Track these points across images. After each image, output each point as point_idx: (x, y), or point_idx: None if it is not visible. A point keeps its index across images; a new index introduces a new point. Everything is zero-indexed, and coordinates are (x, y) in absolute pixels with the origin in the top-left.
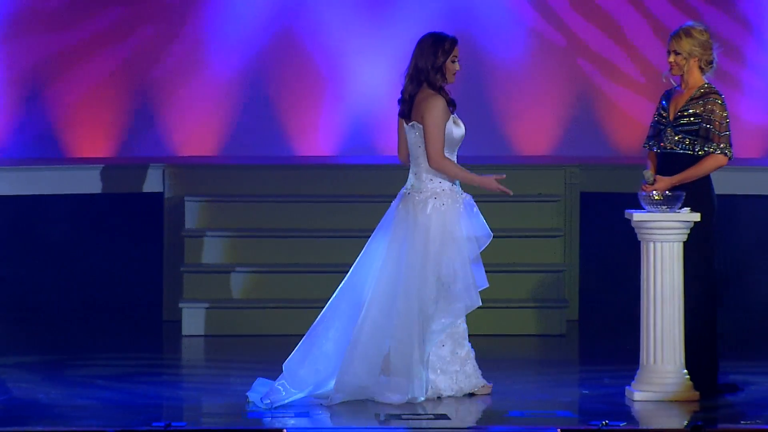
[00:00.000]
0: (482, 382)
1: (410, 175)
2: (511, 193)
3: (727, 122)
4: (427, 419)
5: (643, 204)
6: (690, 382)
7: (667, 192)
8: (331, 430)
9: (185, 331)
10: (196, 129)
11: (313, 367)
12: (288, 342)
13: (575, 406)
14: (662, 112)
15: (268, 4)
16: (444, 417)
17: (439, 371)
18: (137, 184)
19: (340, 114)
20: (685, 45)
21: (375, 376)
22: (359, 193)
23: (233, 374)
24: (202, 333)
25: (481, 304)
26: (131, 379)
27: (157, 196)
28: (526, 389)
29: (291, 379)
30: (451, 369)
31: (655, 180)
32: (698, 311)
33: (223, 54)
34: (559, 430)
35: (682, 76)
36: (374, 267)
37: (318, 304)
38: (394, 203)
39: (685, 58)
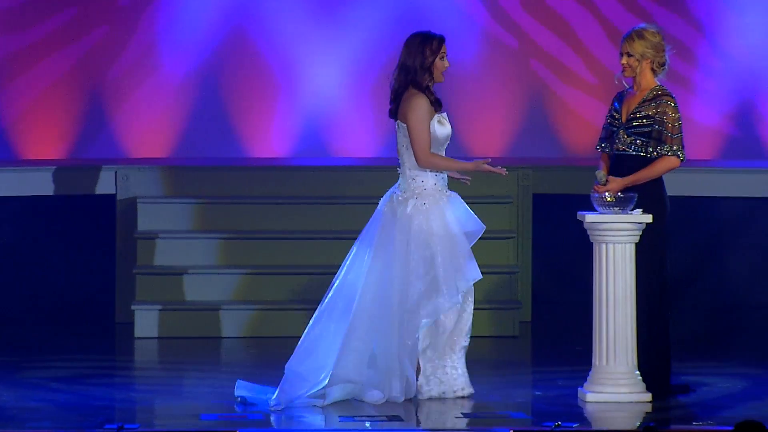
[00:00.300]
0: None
1: (399, 175)
2: (505, 173)
3: (679, 124)
4: (381, 420)
5: (595, 206)
6: (642, 383)
7: (619, 194)
8: (283, 431)
9: (138, 333)
10: (149, 131)
11: (313, 367)
12: (241, 343)
13: (528, 407)
14: (614, 113)
15: (220, 5)
16: (397, 418)
17: (430, 371)
18: (90, 186)
19: (293, 116)
20: (638, 47)
21: (361, 373)
22: (312, 194)
23: (186, 376)
24: (155, 335)
25: (460, 301)
26: (84, 381)
27: (110, 198)
28: (479, 390)
29: (294, 380)
30: (440, 370)
31: (607, 180)
32: (650, 312)
33: (176, 56)
34: (511, 431)
35: (634, 78)
36: (364, 265)
37: (270, 305)
38: (381, 203)
39: (637, 60)
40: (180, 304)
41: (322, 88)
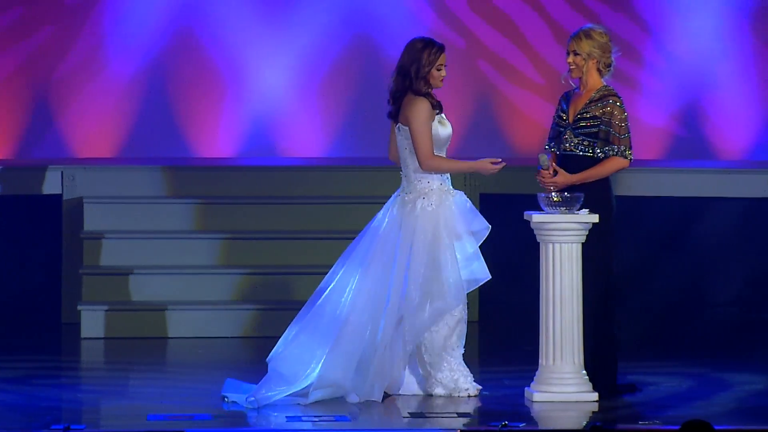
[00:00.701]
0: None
1: (402, 178)
2: (503, 165)
3: (626, 124)
4: (327, 420)
5: (542, 206)
6: (589, 383)
7: (566, 193)
8: (226, 431)
9: (84, 333)
10: (96, 131)
11: (297, 371)
12: (187, 344)
13: (475, 407)
14: (561, 114)
15: (167, 6)
16: (344, 418)
17: (430, 370)
18: (36, 186)
19: (240, 116)
20: (585, 46)
21: (348, 375)
22: (260, 194)
23: (133, 377)
24: (102, 335)
25: (455, 306)
26: (30, 381)
27: (56, 198)
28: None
29: (276, 379)
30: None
31: (552, 168)
32: (597, 312)
33: (123, 55)
34: (459, 431)
35: (581, 78)
36: (361, 268)
37: (216, 306)
38: (386, 205)
39: (584, 59)
40: (126, 304)
41: (269, 89)
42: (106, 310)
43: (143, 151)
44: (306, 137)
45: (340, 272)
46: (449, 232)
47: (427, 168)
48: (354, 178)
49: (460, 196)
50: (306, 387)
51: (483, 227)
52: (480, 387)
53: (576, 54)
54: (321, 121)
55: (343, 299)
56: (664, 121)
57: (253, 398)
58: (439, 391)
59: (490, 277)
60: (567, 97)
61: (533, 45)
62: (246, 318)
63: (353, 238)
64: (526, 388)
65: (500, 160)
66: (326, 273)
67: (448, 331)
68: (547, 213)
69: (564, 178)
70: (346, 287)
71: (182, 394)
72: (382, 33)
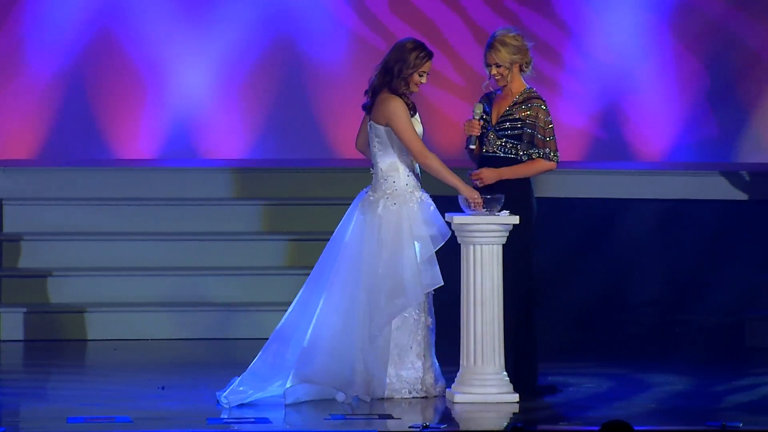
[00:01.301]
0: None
1: (372, 175)
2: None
3: (551, 127)
4: (249, 422)
5: (463, 207)
6: (510, 384)
7: (487, 195)
8: None
9: (3, 335)
10: (15, 132)
11: (275, 370)
12: (106, 346)
13: (397, 408)
14: (484, 115)
15: (87, 6)
16: (265, 420)
17: (393, 370)
18: None
19: (160, 117)
20: (505, 56)
21: (325, 374)
22: (182, 197)
23: (52, 379)
24: (21, 338)
25: (412, 305)
26: None
27: None
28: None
29: (251, 379)
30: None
31: (482, 118)
32: (518, 313)
33: (42, 56)
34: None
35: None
36: (332, 269)
37: (134, 307)
38: (351, 206)
39: (507, 68)
40: (45, 306)
41: (190, 90)
42: (25, 312)
43: (64, 153)
44: (227, 139)
45: (312, 274)
46: (410, 233)
47: (421, 161)
48: (284, 179)
49: (425, 199)
50: (280, 385)
51: (442, 232)
52: (443, 386)
53: (498, 66)
54: (241, 121)
55: (319, 299)
56: (584, 123)
57: (225, 399)
58: (398, 386)
59: (443, 283)
60: (489, 99)
61: (454, 47)
62: (164, 319)
63: (279, 240)
64: (447, 389)
65: (479, 196)
66: (243, 276)
67: (408, 332)
68: (468, 214)
69: (491, 173)
70: (317, 304)
71: (102, 397)
72: (303, 34)
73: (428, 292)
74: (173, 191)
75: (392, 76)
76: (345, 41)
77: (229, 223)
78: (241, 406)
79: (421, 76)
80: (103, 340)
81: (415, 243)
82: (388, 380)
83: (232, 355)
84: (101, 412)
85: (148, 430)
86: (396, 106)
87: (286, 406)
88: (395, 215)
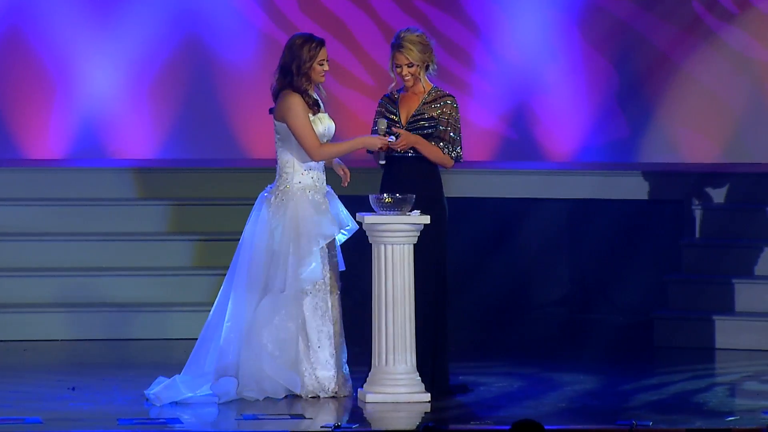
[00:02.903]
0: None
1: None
2: (396, 139)
3: (459, 126)
4: (160, 422)
5: (374, 206)
6: (422, 384)
7: (397, 195)
8: None
9: None
10: None
11: (205, 369)
12: (17, 347)
13: (308, 408)
14: (392, 116)
15: None
16: (176, 420)
17: (308, 371)
18: None
19: (69, 116)
20: (416, 54)
21: (240, 374)
22: (90, 197)
23: None
24: None
25: (290, 303)
26: None
27: None
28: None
29: (184, 378)
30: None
31: (395, 134)
32: (429, 313)
33: None
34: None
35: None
36: (236, 267)
37: (44, 308)
38: (254, 206)
39: (418, 67)
40: None
41: (98, 89)
42: None
43: None
44: (136, 138)
45: (225, 289)
46: (296, 230)
47: (319, 158)
48: (191, 179)
49: (318, 197)
50: (206, 383)
51: (330, 232)
52: (347, 393)
53: (410, 65)
54: (151, 121)
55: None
56: (494, 123)
57: (154, 395)
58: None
59: (322, 279)
60: (392, 100)
61: (363, 46)
62: (72, 321)
63: (187, 240)
64: (358, 389)
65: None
66: (150, 276)
67: (296, 329)
68: (379, 214)
69: (406, 138)
70: (228, 303)
71: (10, 398)
72: (212, 34)
73: (337, 293)
74: (81, 191)
75: (292, 76)
76: (254, 41)
77: (136, 224)
78: (174, 404)
79: (321, 65)
80: (11, 340)
81: (301, 239)
82: (300, 379)
83: (141, 356)
84: (10, 413)
85: (58, 430)
86: (291, 102)
87: (218, 405)
88: (282, 212)
